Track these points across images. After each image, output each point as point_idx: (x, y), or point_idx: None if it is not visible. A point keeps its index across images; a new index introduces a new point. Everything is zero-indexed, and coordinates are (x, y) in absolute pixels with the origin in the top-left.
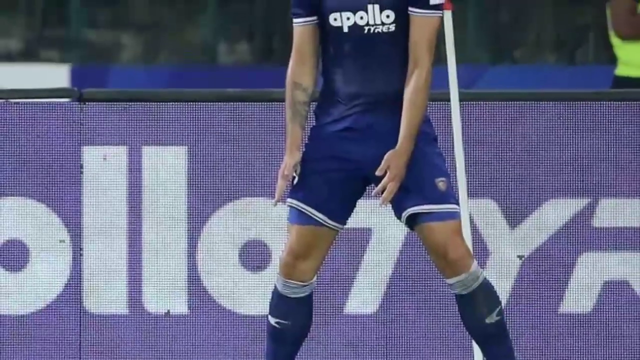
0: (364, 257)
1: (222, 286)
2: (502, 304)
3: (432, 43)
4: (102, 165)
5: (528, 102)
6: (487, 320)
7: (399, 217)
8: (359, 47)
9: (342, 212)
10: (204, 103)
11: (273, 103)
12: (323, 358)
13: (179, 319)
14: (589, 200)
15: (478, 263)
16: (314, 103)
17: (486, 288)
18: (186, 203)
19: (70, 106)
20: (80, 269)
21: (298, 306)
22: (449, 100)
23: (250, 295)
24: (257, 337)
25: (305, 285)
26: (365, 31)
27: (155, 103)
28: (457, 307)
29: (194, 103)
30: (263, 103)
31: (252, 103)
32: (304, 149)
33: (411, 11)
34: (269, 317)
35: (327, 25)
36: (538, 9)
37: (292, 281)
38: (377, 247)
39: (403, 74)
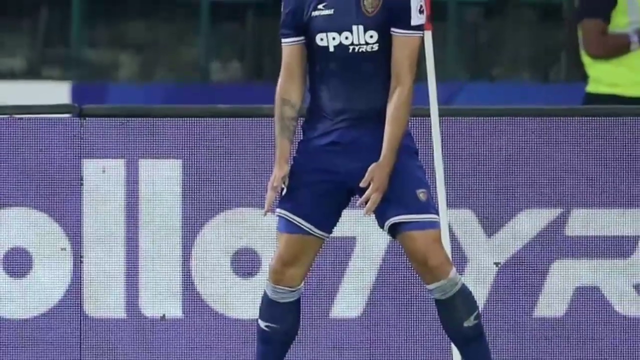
0: (349, 264)
1: (215, 291)
2: (479, 309)
3: (413, 62)
4: (101, 177)
5: (504, 118)
6: (465, 324)
7: (381, 226)
8: (344, 65)
9: (328, 221)
10: (198, 118)
11: (263, 118)
12: None
13: (174, 323)
14: (562, 210)
15: (456, 270)
16: (301, 118)
17: (464, 293)
18: (181, 213)
19: (70, 121)
20: (80, 275)
21: (286, 310)
22: (429, 115)
23: (242, 300)
24: (247, 339)
25: (293, 291)
26: (350, 50)
27: (152, 118)
28: (436, 312)
29: (188, 118)
30: (253, 118)
31: (243, 118)
32: (292, 162)
33: (393, 31)
34: (259, 320)
35: (314, 45)
36: (514, 30)
37: (281, 287)
38: (361, 255)
39: (386, 90)
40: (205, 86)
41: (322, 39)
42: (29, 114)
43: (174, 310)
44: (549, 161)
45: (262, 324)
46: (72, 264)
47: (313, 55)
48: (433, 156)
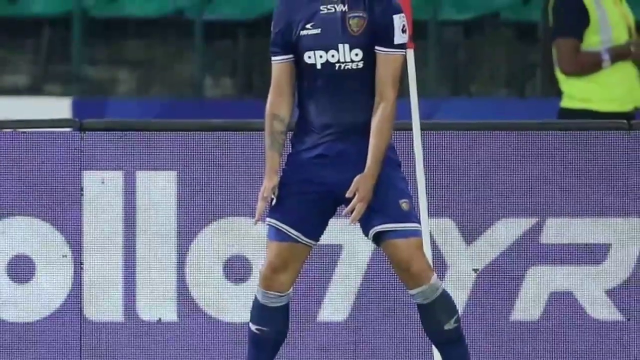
0: (335, 270)
1: (208, 296)
2: (459, 312)
3: (396, 78)
4: (101, 188)
5: (482, 132)
6: (446, 327)
7: (366, 234)
8: (331, 82)
9: (315, 230)
10: (192, 132)
11: (253, 132)
12: None
13: (169, 326)
14: (537, 219)
15: (437, 276)
16: (290, 132)
17: (445, 298)
18: (176, 222)
19: (71, 135)
20: (80, 280)
21: (276, 314)
22: (411, 129)
23: (234, 305)
24: (239, 342)
25: (282, 296)
26: (337, 68)
27: (148, 132)
28: (418, 315)
29: (183, 132)
30: (245, 132)
31: (235, 132)
32: (281, 174)
33: (377, 50)
34: (250, 324)
35: (302, 63)
36: (491, 48)
37: (271, 292)
38: (347, 261)
39: (370, 106)
40: (199, 101)
41: (309, 57)
42: (32, 128)
43: (170, 314)
44: (524, 173)
45: (253, 327)
46: (72, 270)
47: (301, 72)
48: (415, 168)
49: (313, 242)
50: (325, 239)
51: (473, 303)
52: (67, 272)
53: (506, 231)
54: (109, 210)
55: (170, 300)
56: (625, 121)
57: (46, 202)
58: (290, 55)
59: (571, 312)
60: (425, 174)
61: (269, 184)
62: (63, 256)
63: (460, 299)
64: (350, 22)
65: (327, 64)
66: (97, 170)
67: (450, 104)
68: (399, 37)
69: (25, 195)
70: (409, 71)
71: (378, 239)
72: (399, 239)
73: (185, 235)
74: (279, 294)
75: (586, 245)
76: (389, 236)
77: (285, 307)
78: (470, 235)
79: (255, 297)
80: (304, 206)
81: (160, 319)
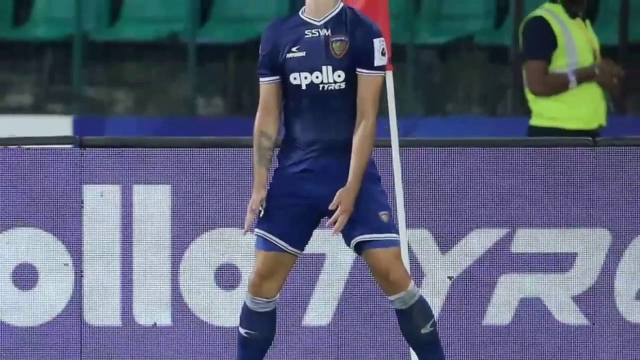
0: (319, 277)
1: (201, 302)
2: (435, 317)
3: (376, 98)
4: (100, 201)
5: (457, 148)
6: (423, 331)
7: (348, 244)
8: (315, 101)
9: (301, 240)
10: (185, 148)
11: (243, 149)
12: None
13: (164, 330)
14: (508, 230)
15: (415, 283)
16: (277, 148)
17: (422, 304)
18: (170, 232)
19: (72, 151)
20: (81, 287)
21: (264, 319)
22: (390, 146)
23: (224, 310)
24: (229, 345)
25: (270, 302)
26: (320, 88)
27: (144, 148)
28: (397, 320)
29: (177, 149)
30: (234, 148)
31: (225, 148)
32: (269, 187)
33: (359, 71)
34: (240, 328)
35: (288, 83)
36: (466, 70)
37: (259, 298)
38: (330, 269)
39: (352, 124)
40: (191, 120)
41: (295, 78)
42: (36, 144)
43: (164, 318)
44: (496, 186)
45: (242, 331)
46: (73, 277)
47: (287, 92)
48: (394, 182)
49: (298, 252)
50: (310, 248)
51: (448, 308)
52: (68, 279)
53: (479, 241)
54: (108, 221)
55: (165, 306)
56: (590, 138)
57: (49, 214)
58: (277, 77)
59: (540, 317)
60: (404, 188)
61: (257, 197)
62: (64, 265)
63: (436, 304)
64: (333, 46)
65: (311, 85)
66: (96, 184)
67: (427, 122)
68: (379, 60)
69: (29, 207)
70: (388, 91)
71: (359, 248)
72: (378, 248)
73: (179, 244)
74: (266, 300)
75: (554, 254)
76: (369, 246)
77: (273, 312)
78: (445, 245)
79: (244, 303)
80: (290, 218)
81: (155, 324)
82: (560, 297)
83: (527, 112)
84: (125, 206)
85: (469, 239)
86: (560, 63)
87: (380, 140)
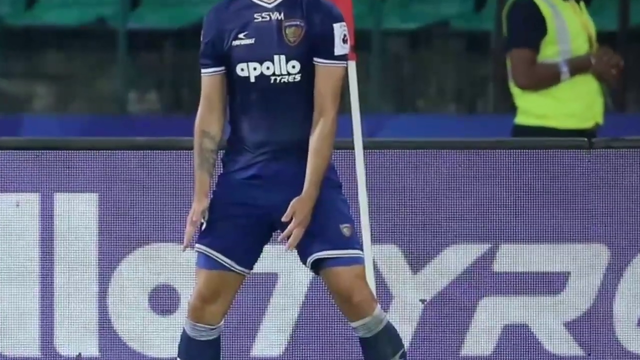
0: (271, 300)
1: (132, 329)
2: (405, 347)
3: (336, 92)
4: (15, 212)
5: (430, 151)
6: None
7: (304, 262)
8: (266, 96)
9: (248, 257)
10: (115, 151)
11: (182, 151)
12: None
13: None
14: (490, 245)
15: (381, 307)
16: (221, 151)
17: (389, 331)
18: (97, 248)
19: None
20: None
21: (206, 349)
22: (353, 148)
23: (160, 338)
24: None
25: (213, 329)
26: (272, 81)
27: (67, 151)
28: (361, 350)
29: (105, 151)
30: (172, 151)
31: (161, 151)
32: (212, 196)
33: (316, 61)
34: (178, 359)
35: (234, 75)
36: (440, 60)
37: (201, 324)
38: (283, 292)
39: (308, 122)
40: (122, 118)
41: (242, 69)
42: None
43: (90, 348)
44: (476, 195)
45: None
46: None
47: (233, 85)
48: (357, 190)
49: (246, 271)
50: (260, 266)
51: (420, 337)
52: None
53: (456, 258)
54: (24, 235)
55: (91, 334)
56: (585, 139)
57: None
58: (222, 68)
59: (527, 347)
60: (368, 196)
61: (198, 207)
62: None
63: (406, 332)
64: (287, 32)
65: (261, 77)
66: (11, 192)
67: (395, 120)
68: (340, 48)
69: None
70: (350, 85)
71: (317, 266)
72: (339, 266)
73: (107, 263)
74: (209, 326)
75: (543, 273)
76: (328, 264)
77: (216, 341)
78: (417, 262)
79: (184, 330)
80: (236, 231)
81: (80, 354)
82: (550, 324)
83: (512, 109)
84: (44, 218)
85: (444, 255)
86: (550, 52)
87: (342, 141)
